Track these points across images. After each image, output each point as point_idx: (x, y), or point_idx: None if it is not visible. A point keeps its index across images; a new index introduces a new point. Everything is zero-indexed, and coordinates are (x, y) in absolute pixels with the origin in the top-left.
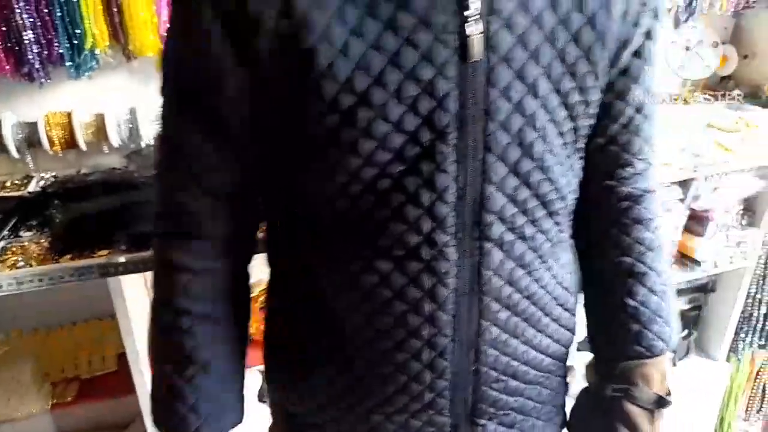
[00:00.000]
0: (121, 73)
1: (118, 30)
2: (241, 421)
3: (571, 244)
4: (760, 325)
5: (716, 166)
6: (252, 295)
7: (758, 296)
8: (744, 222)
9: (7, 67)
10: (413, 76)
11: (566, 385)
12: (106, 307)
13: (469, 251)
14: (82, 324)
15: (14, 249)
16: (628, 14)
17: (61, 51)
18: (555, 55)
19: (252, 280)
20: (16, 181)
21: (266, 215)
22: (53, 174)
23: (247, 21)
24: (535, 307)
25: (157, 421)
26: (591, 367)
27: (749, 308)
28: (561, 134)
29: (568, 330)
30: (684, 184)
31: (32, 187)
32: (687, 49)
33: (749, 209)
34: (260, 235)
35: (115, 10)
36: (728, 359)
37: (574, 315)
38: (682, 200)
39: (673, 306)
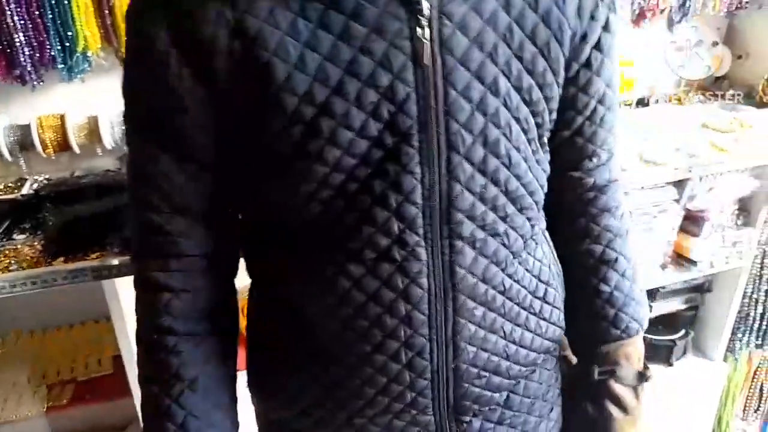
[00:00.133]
0: (114, 75)
1: (110, 32)
2: None
3: (547, 237)
4: (756, 325)
5: (711, 167)
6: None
7: (754, 296)
8: (739, 222)
9: None
10: (372, 84)
11: (559, 378)
12: (102, 309)
13: (440, 250)
14: (79, 326)
15: (7, 252)
16: (582, 9)
17: (53, 53)
18: (511, 54)
19: (238, 286)
20: (9, 184)
21: (240, 225)
22: (46, 177)
23: (201, 42)
24: (511, 302)
25: None
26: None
27: (746, 308)
28: (525, 130)
29: (552, 323)
30: (679, 185)
31: (25, 189)
32: (678, 50)
33: (744, 209)
34: None
35: (106, 12)
36: (725, 359)
37: (559, 308)
38: (677, 200)
39: (642, 285)
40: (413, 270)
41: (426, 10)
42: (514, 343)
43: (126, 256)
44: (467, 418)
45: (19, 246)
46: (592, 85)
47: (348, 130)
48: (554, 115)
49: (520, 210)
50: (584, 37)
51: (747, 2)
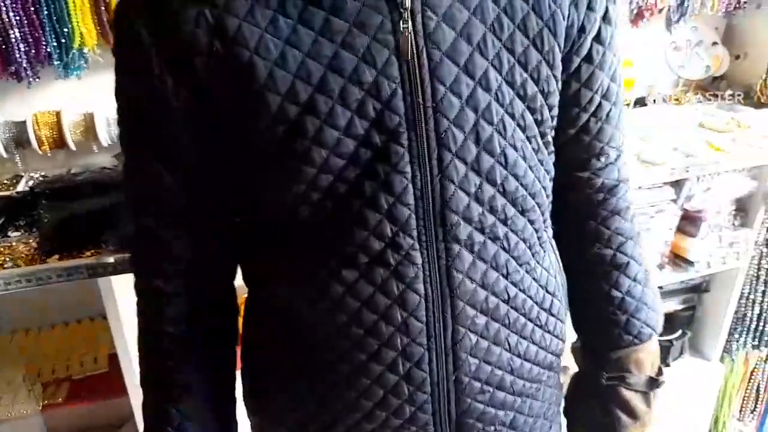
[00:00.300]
0: (110, 72)
1: (106, 28)
2: None
3: (553, 245)
4: (753, 326)
5: (708, 167)
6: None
7: (751, 296)
8: (736, 222)
9: None
10: (355, 80)
11: (559, 396)
12: (97, 307)
13: (436, 254)
14: (74, 324)
15: (2, 249)
16: None
17: (48, 50)
18: (501, 46)
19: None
20: (5, 181)
21: (234, 227)
22: (42, 174)
23: (181, 43)
24: (516, 312)
25: None
26: (578, 351)
27: (743, 308)
28: (522, 127)
29: (556, 337)
30: (676, 185)
31: (21, 186)
32: (677, 50)
33: (741, 209)
34: None
35: (103, 8)
36: (722, 359)
37: (562, 321)
38: (674, 201)
39: (655, 290)
40: (408, 275)
41: (407, 2)
42: (519, 356)
43: (121, 254)
44: None
45: (14, 243)
46: (594, 80)
47: (333, 128)
48: (555, 112)
49: (522, 213)
50: (582, 29)
51: (745, 2)
